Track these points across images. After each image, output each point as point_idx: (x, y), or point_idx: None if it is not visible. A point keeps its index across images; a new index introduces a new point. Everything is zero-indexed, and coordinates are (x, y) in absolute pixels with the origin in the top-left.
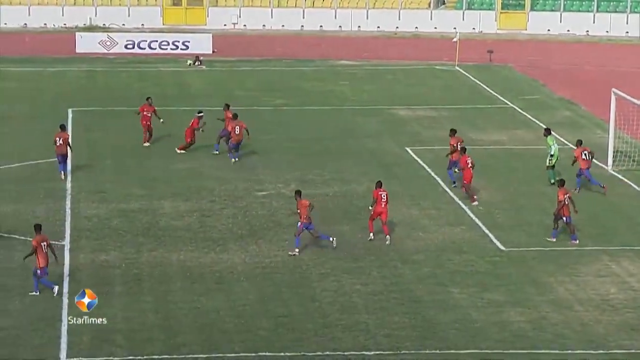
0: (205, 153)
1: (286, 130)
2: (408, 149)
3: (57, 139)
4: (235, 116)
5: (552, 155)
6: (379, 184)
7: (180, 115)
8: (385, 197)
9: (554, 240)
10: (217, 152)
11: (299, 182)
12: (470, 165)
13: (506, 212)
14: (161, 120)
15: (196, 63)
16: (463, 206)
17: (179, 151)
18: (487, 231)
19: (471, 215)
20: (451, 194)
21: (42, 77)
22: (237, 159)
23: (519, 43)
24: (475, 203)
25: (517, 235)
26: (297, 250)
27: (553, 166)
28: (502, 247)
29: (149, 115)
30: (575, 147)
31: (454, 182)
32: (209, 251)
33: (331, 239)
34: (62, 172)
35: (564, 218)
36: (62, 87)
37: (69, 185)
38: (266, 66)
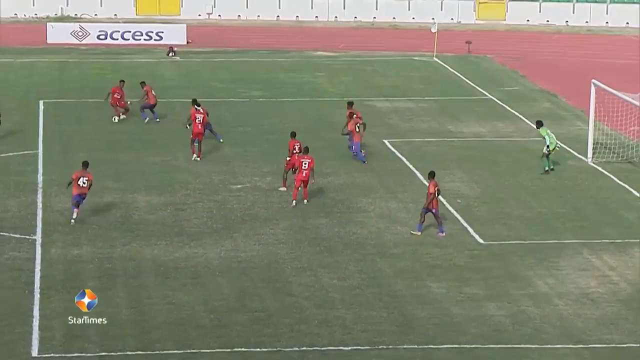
0: (179, 146)
1: (262, 122)
2: (386, 142)
3: None
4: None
5: (548, 146)
6: (292, 135)
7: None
8: (307, 165)
9: (419, 233)
10: (147, 120)
11: (275, 175)
12: (297, 150)
13: (486, 205)
14: (129, 102)
15: (170, 54)
16: (442, 199)
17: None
18: (466, 225)
19: (450, 208)
20: None
21: (12, 69)
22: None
23: (498, 34)
24: (283, 189)
25: (496, 228)
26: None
27: (548, 155)
28: (481, 241)
29: (119, 97)
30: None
31: (355, 153)
32: (184, 245)
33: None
34: None
35: (432, 211)
36: (33, 78)
37: (40, 178)
38: (242, 57)
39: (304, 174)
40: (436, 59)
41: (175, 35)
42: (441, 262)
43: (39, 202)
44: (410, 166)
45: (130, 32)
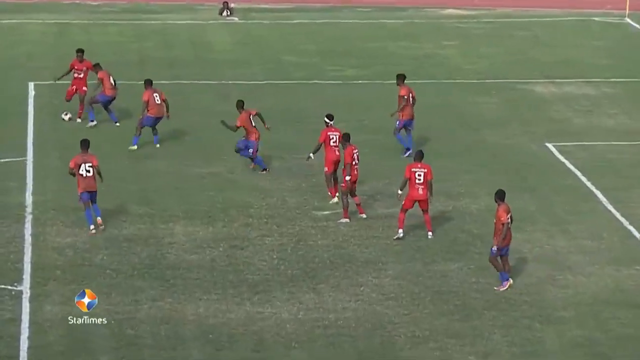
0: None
1: (361, 115)
2: (550, 145)
3: None
4: (149, 82)
5: None
6: (346, 137)
7: (198, 94)
8: (422, 178)
9: (508, 283)
10: (136, 147)
11: (380, 195)
12: (355, 160)
13: None
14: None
15: (224, 13)
16: (636, 234)
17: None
18: None
19: None
20: (617, 214)
21: None
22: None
23: None
24: (364, 215)
25: None
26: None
27: None
28: None
29: (81, 76)
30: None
31: (408, 150)
32: (243, 301)
33: None
34: None
35: (502, 249)
36: (19, 48)
37: (29, 199)
38: (331, 18)
39: (419, 191)
40: (629, 20)
41: None
42: (638, 331)
43: (27, 234)
44: (588, 183)
45: None
